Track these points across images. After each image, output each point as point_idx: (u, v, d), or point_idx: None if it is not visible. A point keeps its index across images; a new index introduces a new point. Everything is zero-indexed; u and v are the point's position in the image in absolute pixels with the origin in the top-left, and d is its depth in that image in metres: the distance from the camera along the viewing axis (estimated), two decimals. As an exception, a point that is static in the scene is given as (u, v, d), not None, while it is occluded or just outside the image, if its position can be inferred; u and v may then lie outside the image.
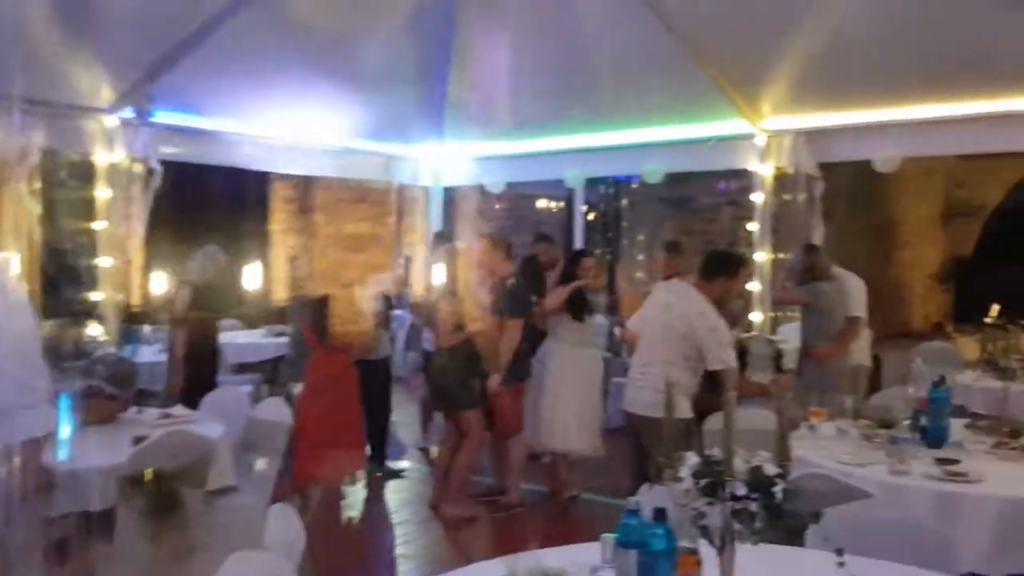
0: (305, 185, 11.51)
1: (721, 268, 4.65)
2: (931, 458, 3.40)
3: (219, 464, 4.08)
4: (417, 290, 6.40)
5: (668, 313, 4.53)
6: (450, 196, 9.84)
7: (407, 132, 8.86)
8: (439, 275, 6.05)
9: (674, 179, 9.82)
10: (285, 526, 2.41)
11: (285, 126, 7.89)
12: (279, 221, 11.88)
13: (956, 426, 3.89)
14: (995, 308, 8.78)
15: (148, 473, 3.81)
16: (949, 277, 12.86)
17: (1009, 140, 6.81)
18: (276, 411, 4.63)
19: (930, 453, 3.51)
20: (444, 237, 7.69)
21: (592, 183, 10.59)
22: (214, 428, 4.24)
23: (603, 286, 8.44)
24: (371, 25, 6.87)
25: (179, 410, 4.63)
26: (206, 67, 6.49)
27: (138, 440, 3.78)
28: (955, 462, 3.34)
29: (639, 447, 4.35)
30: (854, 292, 6.02)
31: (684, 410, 4.12)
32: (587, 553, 2.28)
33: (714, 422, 4.06)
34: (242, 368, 7.98)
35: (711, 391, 4.31)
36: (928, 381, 3.75)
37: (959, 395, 5.02)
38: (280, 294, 11.23)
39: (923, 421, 3.68)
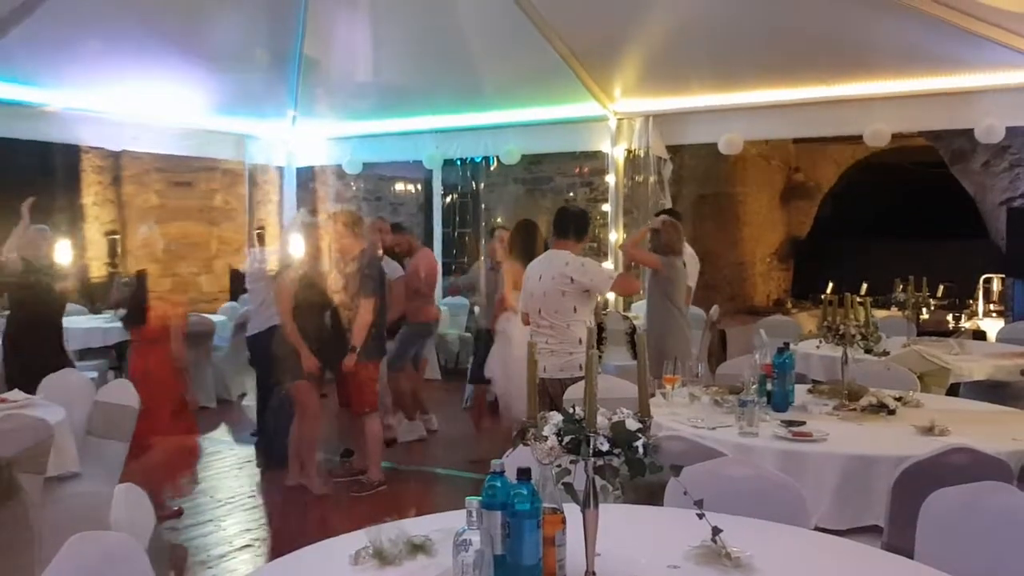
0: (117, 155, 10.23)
1: (588, 227, 5.08)
2: (777, 421, 3.57)
3: (60, 449, 3.82)
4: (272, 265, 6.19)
5: (543, 282, 4.78)
6: (305, 177, 9.58)
7: (259, 110, 8.56)
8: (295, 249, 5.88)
9: (531, 161, 9.95)
10: (133, 506, 2.26)
11: (132, 102, 7.45)
12: (93, 194, 10.45)
13: (799, 391, 4.09)
14: (830, 286, 9.41)
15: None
16: (788, 257, 13.66)
17: (841, 124, 7.29)
18: (123, 394, 4.35)
19: (776, 416, 3.67)
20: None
21: (450, 165, 10.57)
22: (54, 412, 3.96)
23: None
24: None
25: (15, 394, 4.31)
26: (42, 37, 6.05)
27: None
28: (800, 423, 3.51)
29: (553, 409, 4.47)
30: (689, 264, 6.38)
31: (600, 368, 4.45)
32: (452, 520, 2.24)
33: (575, 390, 4.15)
34: (85, 354, 7.52)
35: None
36: (771, 350, 3.94)
37: (800, 364, 5.29)
38: (97, 271, 10.24)
39: (769, 386, 3.85)
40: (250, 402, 7.59)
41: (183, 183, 10.70)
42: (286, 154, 9.24)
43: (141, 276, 5.52)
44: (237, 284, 10.82)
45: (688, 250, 6.51)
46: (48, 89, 6.94)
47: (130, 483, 2.35)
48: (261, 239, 11.19)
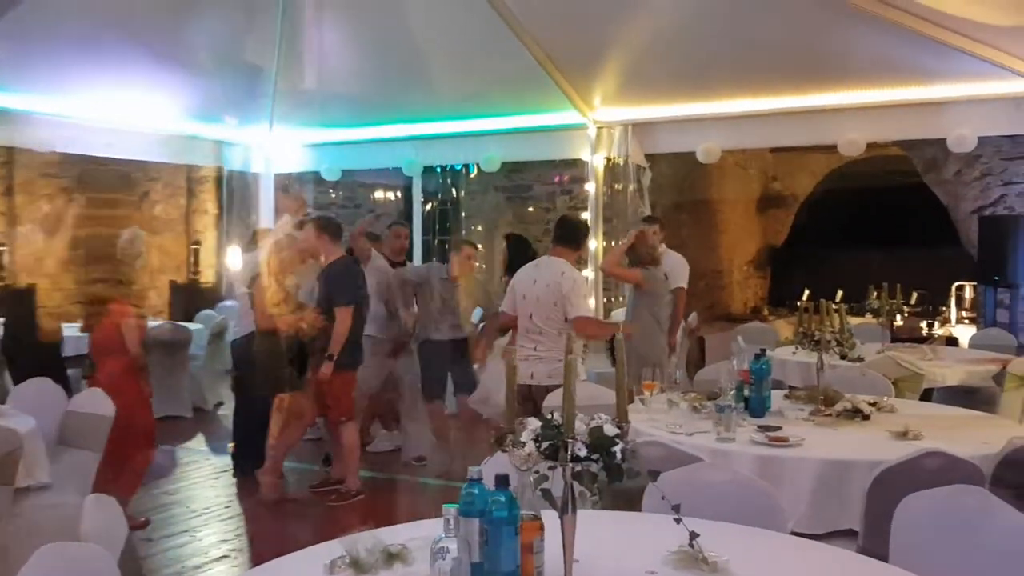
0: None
1: (586, 236, 5.20)
2: (754, 426, 3.60)
3: (30, 460, 3.76)
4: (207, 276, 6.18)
5: (537, 287, 4.77)
6: (281, 184, 9.51)
7: (235, 117, 8.50)
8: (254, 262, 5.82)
9: (511, 169, 9.96)
10: (104, 516, 2.23)
11: (106, 107, 7.37)
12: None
13: (776, 397, 4.13)
14: (806, 293, 9.47)
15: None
16: (765, 264, 13.76)
17: (817, 134, 7.35)
18: (97, 403, 4.30)
19: (753, 421, 3.71)
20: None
21: (430, 172, 10.55)
22: (23, 422, 3.90)
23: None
24: (195, 4, 6.56)
25: None
26: (12, 40, 5.99)
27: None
28: (777, 429, 3.54)
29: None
30: (678, 267, 6.54)
31: (580, 371, 4.37)
32: (429, 528, 2.23)
33: (554, 398, 4.16)
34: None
35: None
36: (749, 356, 3.98)
37: (776, 370, 5.34)
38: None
39: (746, 392, 3.88)
40: (226, 411, 7.53)
41: (116, 193, 10.48)
42: (263, 160, 9.18)
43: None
44: (177, 298, 10.73)
45: (676, 255, 6.63)
46: (15, 93, 6.86)
47: (101, 494, 2.32)
48: (196, 253, 11.08)
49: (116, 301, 5.27)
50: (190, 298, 10.66)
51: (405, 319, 6.47)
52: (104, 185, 10.20)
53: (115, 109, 7.48)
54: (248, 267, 6.07)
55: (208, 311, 9.49)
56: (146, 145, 8.18)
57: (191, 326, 8.65)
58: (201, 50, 7.10)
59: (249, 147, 9.01)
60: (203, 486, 6.08)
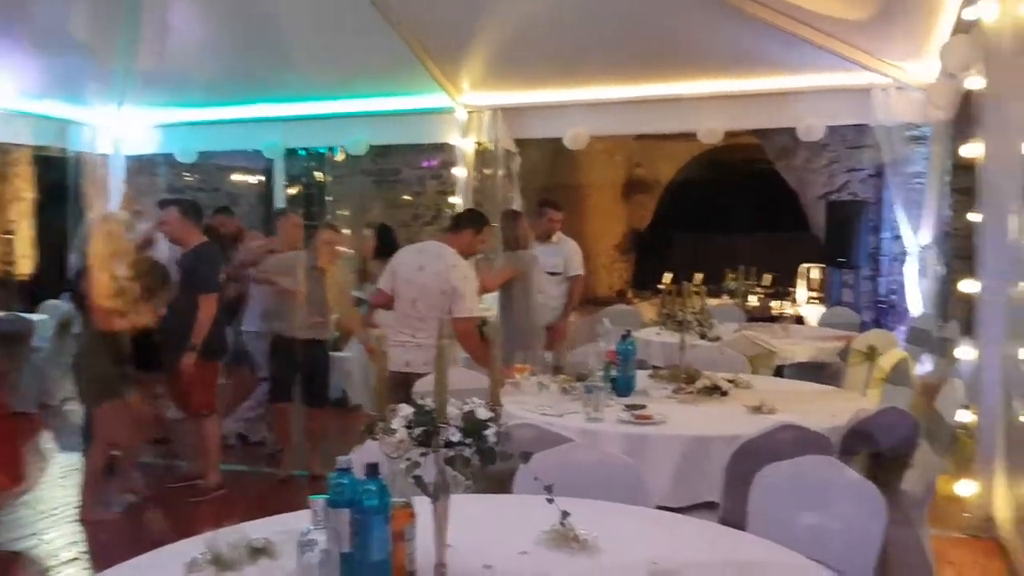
0: None
1: (469, 222, 4.93)
2: (621, 405, 3.69)
3: None
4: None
5: (423, 273, 4.62)
6: (133, 166, 9.01)
7: (81, 95, 7.96)
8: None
9: (378, 152, 9.81)
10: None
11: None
12: None
13: (641, 376, 4.25)
14: (668, 276, 9.80)
15: None
16: (629, 248, 14.14)
17: (678, 121, 7.59)
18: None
19: (620, 401, 3.80)
20: None
21: (294, 155, 10.25)
22: None
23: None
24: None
25: None
26: None
27: None
28: (642, 407, 3.64)
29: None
30: (574, 254, 6.68)
31: (455, 357, 4.55)
32: (296, 520, 2.17)
33: (424, 383, 4.12)
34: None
35: None
36: (615, 337, 4.07)
37: (641, 350, 5.49)
38: None
39: (613, 372, 3.97)
40: (75, 406, 7.10)
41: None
42: (112, 141, 8.66)
43: None
44: None
45: (572, 242, 6.77)
46: None
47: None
48: (10, 243, 10.41)
49: None
50: (5, 293, 9.92)
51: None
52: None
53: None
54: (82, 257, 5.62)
55: (53, 301, 8.91)
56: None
57: (35, 317, 8.11)
58: (43, 26, 6.60)
59: (96, 128, 8.47)
60: (51, 486, 5.71)
